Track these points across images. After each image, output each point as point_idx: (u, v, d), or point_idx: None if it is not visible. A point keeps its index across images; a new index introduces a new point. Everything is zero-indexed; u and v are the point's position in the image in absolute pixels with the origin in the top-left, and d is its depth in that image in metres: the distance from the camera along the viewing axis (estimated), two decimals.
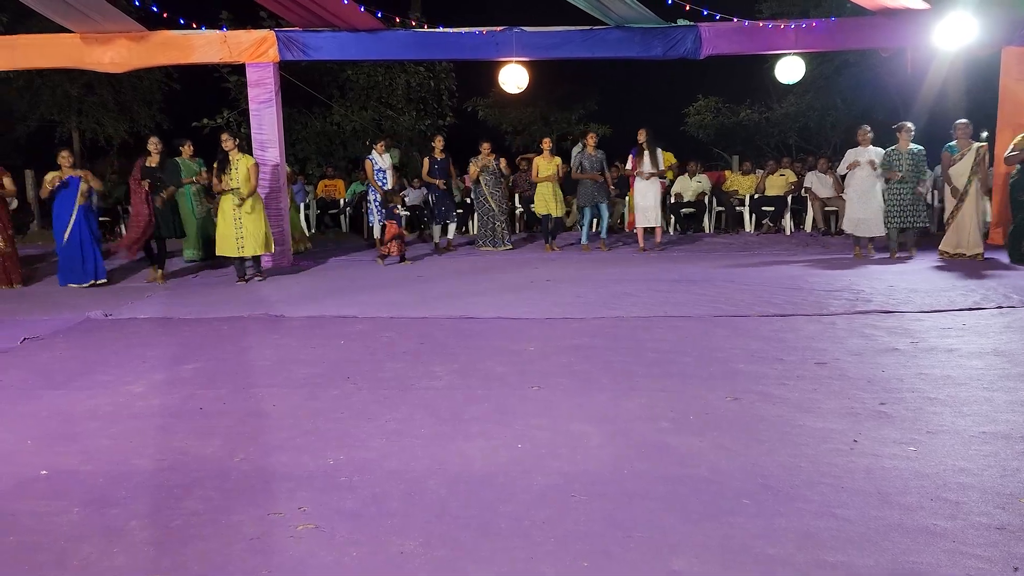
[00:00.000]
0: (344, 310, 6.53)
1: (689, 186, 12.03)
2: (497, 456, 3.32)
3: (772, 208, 11.88)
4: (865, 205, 8.91)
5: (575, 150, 12.18)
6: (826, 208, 11.47)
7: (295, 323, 6.15)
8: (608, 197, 10.32)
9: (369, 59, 13.38)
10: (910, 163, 8.70)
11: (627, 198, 11.49)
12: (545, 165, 10.24)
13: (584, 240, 10.28)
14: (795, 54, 9.70)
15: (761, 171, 12.45)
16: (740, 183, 12.40)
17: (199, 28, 9.24)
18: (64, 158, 8.33)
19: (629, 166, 10.01)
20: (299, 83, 13.84)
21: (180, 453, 3.45)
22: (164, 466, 3.31)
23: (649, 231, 10.13)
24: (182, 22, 9.16)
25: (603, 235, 10.33)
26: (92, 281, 8.35)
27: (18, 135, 15.59)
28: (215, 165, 8.20)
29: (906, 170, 8.69)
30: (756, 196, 12.02)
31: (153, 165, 8.45)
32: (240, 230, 8.15)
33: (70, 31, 9.10)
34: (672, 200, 11.95)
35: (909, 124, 8.83)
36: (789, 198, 11.72)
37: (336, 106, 15.43)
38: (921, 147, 8.78)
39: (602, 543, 2.58)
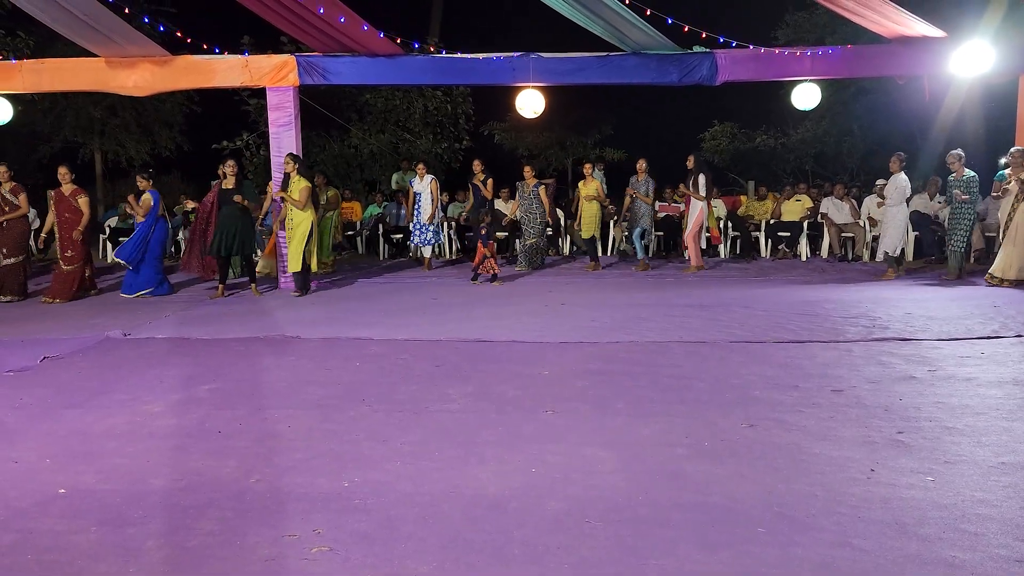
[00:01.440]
0: (359, 332, 6.56)
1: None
2: (511, 480, 3.32)
3: (788, 234, 11.85)
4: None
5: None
6: (843, 234, 11.43)
7: (310, 344, 6.18)
8: (650, 223, 10.67)
9: (387, 84, 13.53)
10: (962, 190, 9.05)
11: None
12: (586, 188, 10.65)
13: (640, 255, 10.60)
14: (811, 80, 9.73)
15: (777, 196, 12.44)
16: (756, 208, 12.39)
17: (221, 53, 9.40)
18: (140, 181, 9.13)
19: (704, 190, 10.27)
20: (318, 107, 14.02)
21: (196, 473, 3.48)
22: (180, 486, 3.34)
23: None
24: (204, 47, 9.34)
25: (640, 254, 10.58)
26: (135, 293, 8.96)
27: (41, 155, 15.85)
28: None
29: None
30: (772, 222, 12.00)
31: (230, 187, 8.70)
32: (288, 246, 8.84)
33: (95, 55, 9.28)
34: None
35: (955, 152, 9.15)
36: (805, 224, 11.69)
37: (354, 129, 15.60)
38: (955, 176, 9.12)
39: (616, 570, 2.57)
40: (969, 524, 2.83)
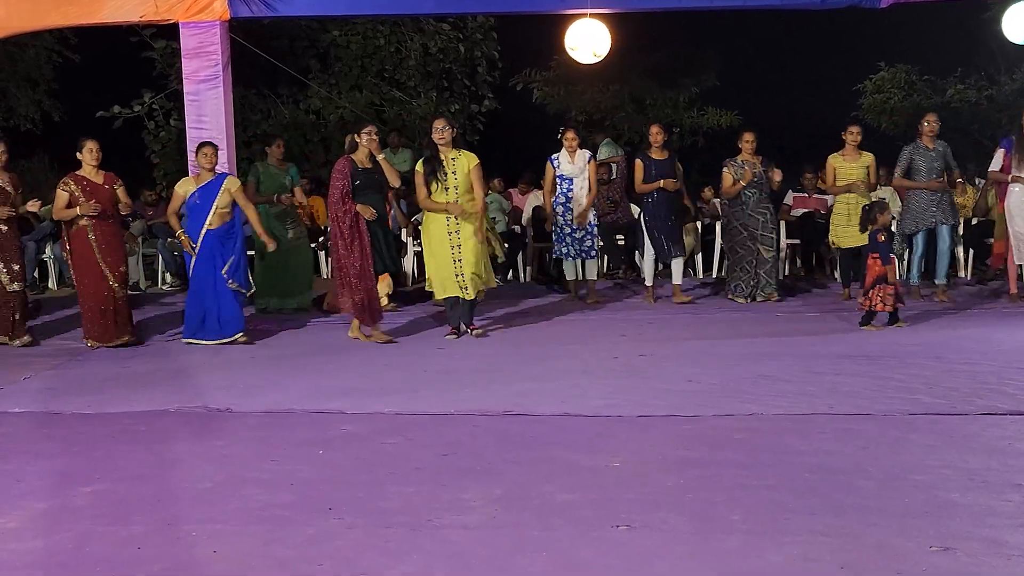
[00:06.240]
0: (325, 402, 6.58)
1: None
2: None
3: None
4: None
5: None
6: None
7: (249, 421, 6.21)
8: (952, 217, 10.39)
9: (364, 14, 13.67)
10: None
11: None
12: (847, 167, 10.42)
13: (915, 280, 10.45)
14: None
15: (982, 181, 12.33)
16: None
17: None
18: (205, 156, 8.79)
19: (998, 165, 10.08)
20: (259, 52, 14.21)
21: None
22: None
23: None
24: None
25: (940, 278, 10.36)
26: (219, 339, 8.80)
27: None
28: (420, 168, 8.55)
29: None
30: (975, 222, 11.89)
31: (368, 166, 8.67)
32: (459, 263, 8.59)
33: None
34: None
35: None
36: None
37: (315, 85, 15.76)
38: None
39: None
40: None
